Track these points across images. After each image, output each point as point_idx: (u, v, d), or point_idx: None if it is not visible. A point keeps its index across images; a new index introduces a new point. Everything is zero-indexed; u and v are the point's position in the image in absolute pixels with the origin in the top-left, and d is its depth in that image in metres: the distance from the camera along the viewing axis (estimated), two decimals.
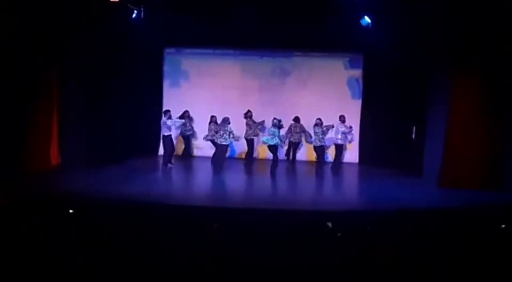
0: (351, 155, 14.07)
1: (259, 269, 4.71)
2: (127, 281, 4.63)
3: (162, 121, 12.14)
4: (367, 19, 12.00)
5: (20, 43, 10.10)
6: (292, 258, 4.95)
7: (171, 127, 12.16)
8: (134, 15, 12.07)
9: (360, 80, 14.10)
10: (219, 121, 12.37)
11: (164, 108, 14.24)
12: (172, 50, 14.53)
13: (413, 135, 12.47)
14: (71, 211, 7.11)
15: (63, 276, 4.59)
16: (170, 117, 12.07)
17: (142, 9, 12.12)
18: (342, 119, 12.64)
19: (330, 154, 13.35)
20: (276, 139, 11.60)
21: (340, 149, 12.79)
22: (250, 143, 13.17)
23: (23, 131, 10.63)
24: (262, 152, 13.48)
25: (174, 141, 12.89)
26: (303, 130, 13.29)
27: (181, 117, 12.82)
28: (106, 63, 12.14)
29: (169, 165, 12.19)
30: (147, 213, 7.76)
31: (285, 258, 4.96)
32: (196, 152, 14.19)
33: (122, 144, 12.91)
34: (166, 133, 12.07)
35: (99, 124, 12.21)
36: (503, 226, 6.53)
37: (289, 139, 13.20)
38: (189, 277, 4.72)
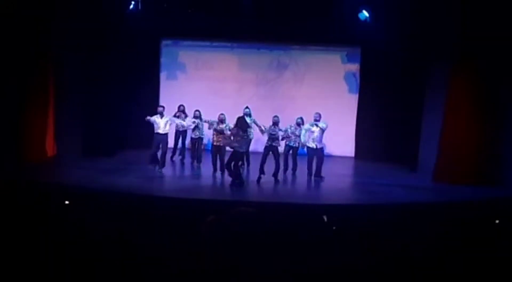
0: (347, 149, 14.08)
1: (255, 263, 4.73)
2: (120, 272, 4.64)
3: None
4: (365, 13, 11.99)
5: (15, 34, 10.04)
6: (286, 252, 4.97)
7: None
8: (131, 7, 12.01)
9: (357, 75, 14.11)
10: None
11: (160, 100, 14.26)
12: (169, 42, 14.48)
13: None
14: (66, 202, 7.11)
15: (57, 267, 4.60)
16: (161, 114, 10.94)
17: (139, 0, 12.07)
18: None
19: None
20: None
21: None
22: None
23: (20, 122, 10.60)
24: None
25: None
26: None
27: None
28: (103, 55, 12.10)
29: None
30: (143, 205, 7.77)
31: (280, 251, 4.98)
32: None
33: (118, 136, 12.89)
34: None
35: (95, 116, 12.19)
36: (497, 221, 6.58)
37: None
38: (184, 270, 4.74)
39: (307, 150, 10.79)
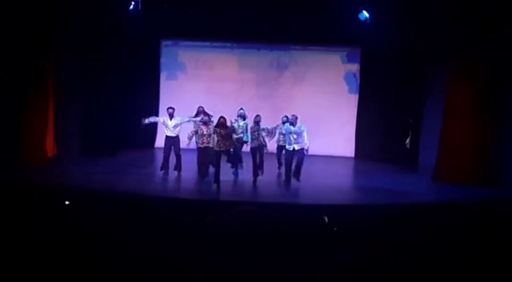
0: (347, 149, 14.08)
1: (256, 263, 4.73)
2: (119, 272, 4.64)
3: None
4: (365, 14, 12.00)
5: (15, 34, 10.04)
6: (287, 252, 4.97)
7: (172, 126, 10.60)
8: (131, 7, 12.02)
9: (357, 75, 14.11)
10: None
11: (160, 101, 14.28)
12: (169, 42, 14.50)
13: (407, 142, 12.34)
14: (67, 202, 7.11)
15: (57, 267, 4.59)
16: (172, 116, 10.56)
17: (139, 0, 12.08)
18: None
19: None
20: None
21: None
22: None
23: (20, 122, 10.59)
24: None
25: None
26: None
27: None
28: (103, 55, 12.11)
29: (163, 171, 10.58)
30: (143, 205, 7.77)
31: (280, 252, 4.98)
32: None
33: (118, 136, 12.90)
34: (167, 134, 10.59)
35: (95, 116, 12.19)
36: (497, 221, 6.58)
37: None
38: (185, 271, 4.74)
39: (285, 152, 10.52)
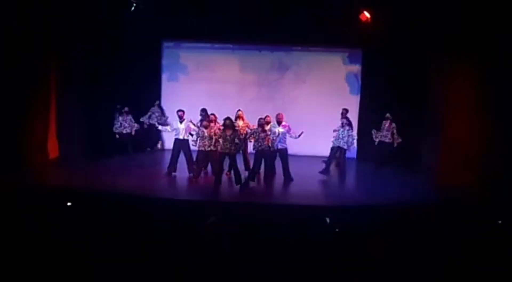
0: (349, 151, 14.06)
1: (256, 263, 4.73)
2: (123, 272, 4.65)
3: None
4: (366, 14, 12.00)
5: (16, 36, 10.07)
6: (289, 253, 4.98)
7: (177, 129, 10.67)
8: (132, 8, 12.04)
9: (359, 76, 14.11)
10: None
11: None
12: (170, 43, 14.50)
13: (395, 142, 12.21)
14: (69, 204, 7.13)
15: (60, 267, 4.61)
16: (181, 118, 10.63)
17: (140, 1, 12.10)
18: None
19: None
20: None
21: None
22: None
23: (22, 124, 10.62)
24: None
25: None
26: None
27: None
28: (105, 56, 12.14)
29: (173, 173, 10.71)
30: (145, 206, 7.79)
31: (283, 252, 4.99)
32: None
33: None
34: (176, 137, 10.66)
35: (97, 118, 12.21)
36: (500, 222, 6.59)
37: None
38: (186, 269, 4.75)
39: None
